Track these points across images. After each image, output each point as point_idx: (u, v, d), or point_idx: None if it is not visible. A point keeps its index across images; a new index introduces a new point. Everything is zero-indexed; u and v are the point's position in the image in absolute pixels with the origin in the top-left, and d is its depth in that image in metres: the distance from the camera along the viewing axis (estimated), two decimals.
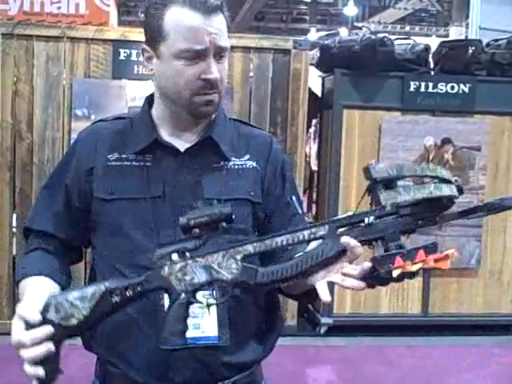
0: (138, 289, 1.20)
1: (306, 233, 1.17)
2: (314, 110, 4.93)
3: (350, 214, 1.17)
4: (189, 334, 1.22)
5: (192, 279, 1.18)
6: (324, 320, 4.64)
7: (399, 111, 4.61)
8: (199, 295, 1.20)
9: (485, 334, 4.72)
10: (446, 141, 4.64)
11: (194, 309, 1.23)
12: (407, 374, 4.04)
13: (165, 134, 1.40)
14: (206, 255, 1.19)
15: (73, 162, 1.43)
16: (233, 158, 1.41)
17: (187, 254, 1.19)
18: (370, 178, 1.15)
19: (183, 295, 1.18)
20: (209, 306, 1.22)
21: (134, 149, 1.38)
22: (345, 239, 1.14)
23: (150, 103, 1.45)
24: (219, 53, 1.33)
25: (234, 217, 1.19)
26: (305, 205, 5.14)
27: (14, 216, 4.35)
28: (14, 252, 4.33)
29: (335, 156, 4.56)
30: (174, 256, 1.19)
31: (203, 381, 1.35)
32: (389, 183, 1.15)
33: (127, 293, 1.20)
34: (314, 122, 5.62)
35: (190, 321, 1.21)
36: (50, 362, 1.19)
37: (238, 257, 1.17)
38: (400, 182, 1.15)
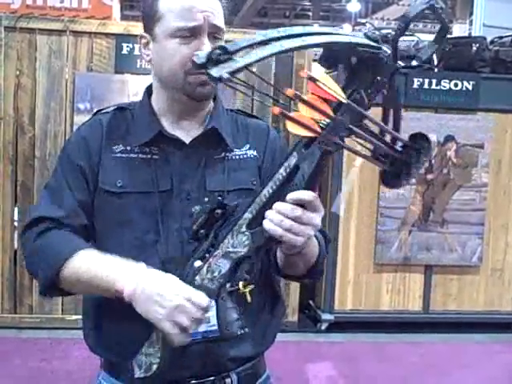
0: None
1: (281, 170, 1.15)
2: None
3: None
4: (199, 328, 1.24)
5: (220, 272, 1.20)
6: (325, 316, 4.64)
7: (402, 108, 4.59)
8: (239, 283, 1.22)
9: (486, 331, 4.72)
10: (449, 138, 4.63)
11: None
12: (408, 371, 4.04)
13: (167, 126, 1.40)
14: (219, 245, 1.20)
15: (81, 151, 1.39)
16: (235, 149, 1.42)
17: (206, 255, 1.22)
18: (197, 66, 1.02)
19: (222, 290, 1.21)
20: (244, 286, 1.22)
21: (138, 141, 1.37)
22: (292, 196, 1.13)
23: (150, 94, 1.45)
24: (214, 33, 1.34)
25: (225, 202, 1.21)
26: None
27: (16, 210, 4.35)
28: (16, 246, 4.33)
29: (338, 152, 4.54)
30: (197, 263, 1.22)
31: (209, 374, 1.36)
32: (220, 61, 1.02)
33: None
34: None
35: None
36: None
37: (243, 229, 1.18)
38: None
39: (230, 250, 1.19)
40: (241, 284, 1.21)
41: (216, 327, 1.27)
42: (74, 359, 3.92)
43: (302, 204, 1.13)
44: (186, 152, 1.38)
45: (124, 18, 8.77)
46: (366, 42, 1.08)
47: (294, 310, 4.61)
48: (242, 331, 1.23)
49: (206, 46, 1.31)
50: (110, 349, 1.39)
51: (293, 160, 1.13)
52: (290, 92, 1.00)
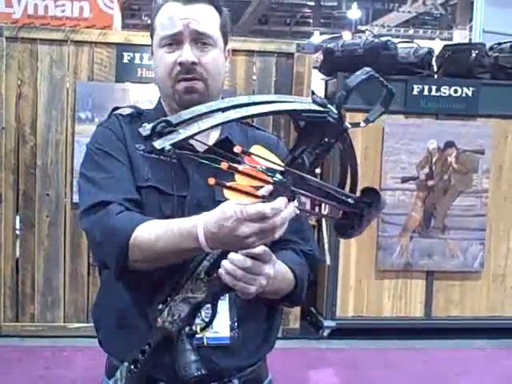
0: (148, 349, 1.28)
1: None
2: None
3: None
4: (202, 334, 1.29)
5: (179, 316, 1.25)
6: (327, 323, 4.64)
7: (402, 114, 4.61)
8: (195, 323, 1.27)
9: (488, 337, 4.71)
10: (450, 144, 4.64)
11: (205, 311, 1.29)
12: (410, 378, 4.04)
13: None
14: (179, 291, 1.26)
15: (113, 144, 1.39)
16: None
17: (168, 299, 1.27)
18: (143, 138, 1.07)
19: (181, 333, 1.25)
20: (201, 330, 1.28)
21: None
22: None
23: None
24: (199, 39, 1.36)
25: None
26: (308, 207, 5.13)
27: (18, 218, 4.36)
28: (17, 254, 4.34)
29: None
30: (160, 306, 1.28)
31: (211, 379, 1.36)
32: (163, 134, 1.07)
33: (142, 358, 1.29)
34: None
35: (202, 322, 1.29)
36: None
37: (201, 275, 1.24)
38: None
39: (189, 295, 1.25)
40: (198, 328, 1.27)
41: (221, 334, 1.32)
42: (76, 367, 3.92)
43: (252, 256, 1.18)
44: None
45: (125, 26, 8.80)
46: (313, 107, 1.12)
47: (295, 317, 4.61)
48: (199, 373, 1.25)
49: (185, 52, 1.35)
50: (121, 353, 1.40)
51: None
52: (223, 165, 1.04)
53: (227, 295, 1.33)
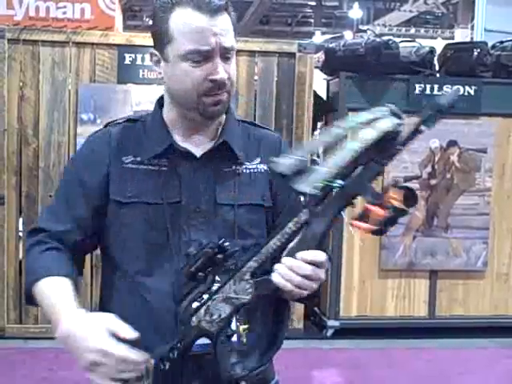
0: (180, 347, 1.25)
1: (291, 225, 1.18)
2: (319, 113, 4.93)
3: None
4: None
5: (219, 316, 1.23)
6: (330, 323, 4.64)
7: (404, 114, 4.59)
8: (233, 325, 1.26)
9: (492, 336, 4.70)
10: (452, 143, 4.64)
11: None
12: (413, 377, 4.03)
13: (178, 138, 1.40)
14: (219, 290, 1.23)
15: (88, 164, 1.41)
16: (246, 162, 1.42)
17: (204, 297, 1.24)
18: (277, 175, 1.14)
19: (220, 335, 1.23)
20: (244, 330, 1.28)
21: (149, 153, 1.37)
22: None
23: (161, 105, 1.45)
24: (225, 53, 1.33)
25: (226, 245, 1.23)
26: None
27: (21, 220, 4.36)
28: (21, 256, 4.34)
29: None
30: (195, 304, 1.24)
31: (218, 383, 1.35)
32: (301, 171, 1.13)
33: (171, 355, 1.25)
34: (319, 125, 5.61)
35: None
36: None
37: (246, 276, 1.21)
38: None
39: (232, 295, 1.22)
40: (241, 328, 1.27)
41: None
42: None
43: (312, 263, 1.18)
44: (196, 165, 1.38)
45: (126, 27, 8.80)
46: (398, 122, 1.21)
47: (299, 317, 4.60)
48: (244, 373, 1.24)
49: (220, 70, 1.31)
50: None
51: (303, 216, 1.17)
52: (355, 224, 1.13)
53: None
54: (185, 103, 1.36)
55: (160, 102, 1.46)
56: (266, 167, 1.43)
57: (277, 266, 1.17)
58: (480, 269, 4.75)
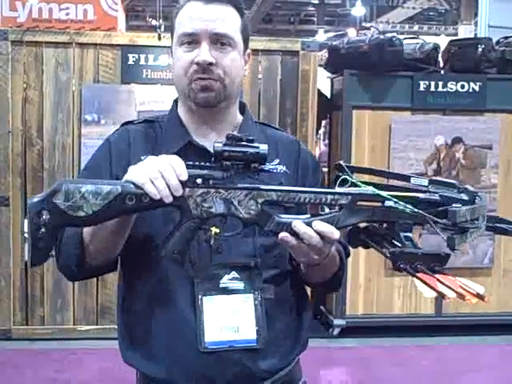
0: (155, 200, 1.18)
1: (329, 197, 1.20)
2: (324, 111, 4.91)
3: (373, 190, 1.21)
4: (227, 337, 1.28)
5: (209, 208, 1.20)
6: (337, 321, 4.63)
7: (409, 111, 4.59)
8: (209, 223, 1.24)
9: (499, 333, 4.69)
10: (457, 140, 4.62)
11: (232, 303, 1.31)
12: (421, 375, 4.02)
13: (196, 136, 1.41)
14: (229, 189, 1.20)
15: (108, 161, 1.41)
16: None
17: (211, 182, 1.20)
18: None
19: (196, 220, 1.20)
20: (215, 234, 1.26)
21: (167, 151, 1.35)
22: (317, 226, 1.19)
23: (177, 105, 1.47)
24: (218, 39, 1.35)
25: (265, 157, 1.20)
26: None
27: (26, 222, 4.36)
28: (26, 258, 4.35)
29: (345, 157, 4.55)
30: (199, 180, 1.20)
31: (243, 382, 1.36)
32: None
33: (143, 200, 1.18)
34: (323, 123, 5.61)
35: (227, 323, 1.30)
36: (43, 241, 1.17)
37: (260, 200, 1.20)
38: None
39: (235, 203, 1.19)
40: (213, 230, 1.25)
41: (246, 337, 1.31)
42: (87, 370, 3.92)
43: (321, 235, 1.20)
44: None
45: (129, 28, 8.82)
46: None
47: None
48: (173, 254, 1.21)
49: (202, 52, 1.34)
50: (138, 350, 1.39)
51: (343, 201, 1.21)
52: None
53: (252, 298, 1.33)
54: (181, 91, 1.40)
55: (176, 102, 1.48)
56: (285, 168, 1.44)
57: (296, 223, 1.18)
58: (487, 266, 4.73)
